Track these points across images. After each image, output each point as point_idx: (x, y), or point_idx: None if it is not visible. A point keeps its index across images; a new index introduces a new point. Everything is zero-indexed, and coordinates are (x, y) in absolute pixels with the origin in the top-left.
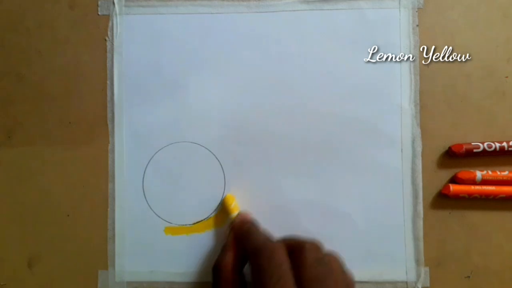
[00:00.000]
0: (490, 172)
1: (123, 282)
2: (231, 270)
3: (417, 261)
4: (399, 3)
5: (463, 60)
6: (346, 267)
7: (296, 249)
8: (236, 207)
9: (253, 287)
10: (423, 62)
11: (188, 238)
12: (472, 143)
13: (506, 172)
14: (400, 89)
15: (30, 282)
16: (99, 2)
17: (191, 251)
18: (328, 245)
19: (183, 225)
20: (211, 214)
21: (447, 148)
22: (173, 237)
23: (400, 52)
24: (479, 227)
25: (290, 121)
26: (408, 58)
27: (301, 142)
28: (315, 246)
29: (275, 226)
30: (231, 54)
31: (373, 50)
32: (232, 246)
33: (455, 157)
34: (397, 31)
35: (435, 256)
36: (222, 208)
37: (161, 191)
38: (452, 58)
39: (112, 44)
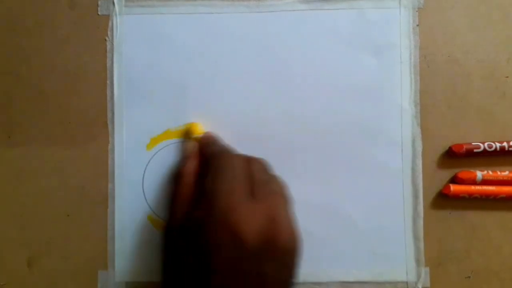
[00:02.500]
0: (490, 172)
1: (123, 282)
2: (192, 176)
3: (417, 261)
4: (399, 3)
5: (463, 60)
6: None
7: (246, 160)
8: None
9: (207, 188)
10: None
11: None
12: (473, 143)
13: (507, 172)
14: (400, 89)
15: (30, 282)
16: (99, 2)
17: None
18: (329, 245)
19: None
20: None
21: (447, 148)
22: None
23: (400, 52)
24: (480, 227)
25: (290, 121)
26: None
27: (301, 142)
28: (263, 163)
29: None
30: (231, 54)
31: (373, 50)
32: (195, 154)
33: (455, 157)
34: (397, 31)
35: (436, 256)
36: (185, 136)
37: (161, 191)
38: (452, 58)
39: (112, 44)
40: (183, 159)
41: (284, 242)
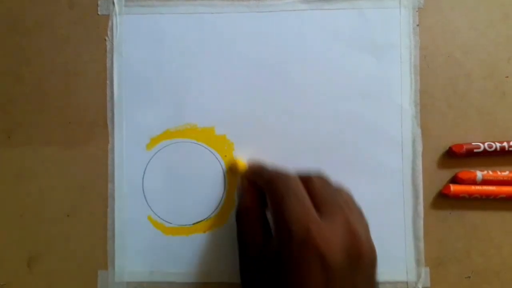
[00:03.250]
0: (490, 172)
1: (123, 282)
2: (255, 210)
3: (418, 261)
4: (400, 2)
5: (463, 60)
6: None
7: (304, 180)
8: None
9: (274, 217)
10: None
11: (188, 238)
12: (473, 143)
13: (507, 172)
14: (400, 89)
15: (30, 282)
16: (99, 2)
17: (191, 251)
18: None
19: (183, 225)
20: (211, 214)
21: (447, 148)
22: (173, 237)
23: (400, 52)
24: (480, 227)
25: (290, 121)
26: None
27: (301, 142)
28: (322, 179)
29: None
30: (231, 53)
31: (373, 50)
32: (249, 188)
33: (456, 157)
34: (397, 30)
35: (436, 256)
36: (230, 173)
37: (161, 191)
38: (452, 58)
39: (112, 44)
40: (239, 196)
41: (367, 254)
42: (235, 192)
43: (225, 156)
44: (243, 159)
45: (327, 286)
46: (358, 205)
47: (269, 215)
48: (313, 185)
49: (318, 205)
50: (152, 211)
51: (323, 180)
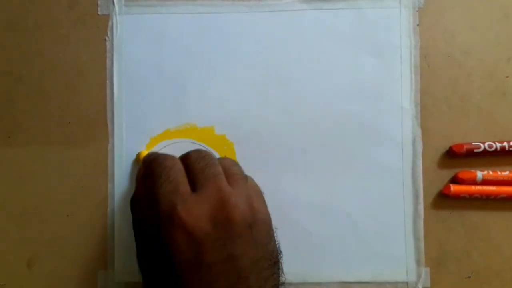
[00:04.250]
0: (490, 172)
1: (123, 282)
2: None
3: (418, 261)
4: (400, 2)
5: (463, 60)
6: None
7: (182, 157)
8: None
9: (146, 197)
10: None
11: None
12: (473, 143)
13: (507, 172)
14: (400, 89)
15: (30, 282)
16: (99, 2)
17: None
18: (329, 245)
19: None
20: None
21: (447, 148)
22: None
23: (401, 52)
24: (480, 227)
25: (290, 121)
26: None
27: (301, 142)
28: (200, 152)
29: (275, 226)
30: (231, 53)
31: (373, 50)
32: (144, 176)
33: (456, 157)
34: (398, 30)
35: (436, 256)
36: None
37: None
38: (452, 58)
39: (112, 43)
40: (136, 186)
41: (240, 218)
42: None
43: (225, 156)
44: (147, 151)
45: (198, 256)
46: (236, 172)
47: None
48: (189, 160)
49: (193, 179)
50: None
51: (200, 154)
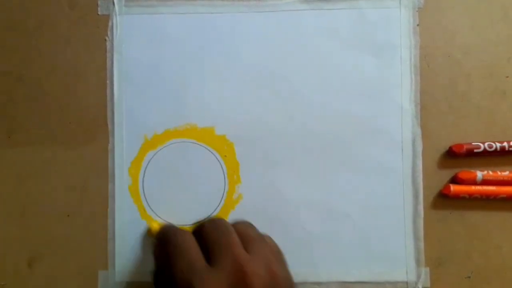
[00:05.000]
0: (490, 172)
1: (123, 282)
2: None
3: (418, 261)
4: (400, 2)
5: (463, 60)
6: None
7: (196, 230)
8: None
9: (165, 277)
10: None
11: None
12: (473, 143)
13: (507, 172)
14: (400, 89)
15: (30, 282)
16: (99, 2)
17: None
18: (329, 245)
19: (183, 225)
20: (211, 214)
21: (447, 148)
22: None
23: (401, 52)
24: (480, 227)
25: (290, 121)
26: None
27: (301, 142)
28: (214, 222)
29: (275, 226)
30: (231, 53)
31: (373, 50)
32: (160, 252)
33: (456, 157)
34: (398, 30)
35: (436, 256)
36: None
37: (161, 191)
38: (452, 58)
39: (112, 44)
40: (155, 262)
41: (262, 285)
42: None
43: (225, 156)
44: (158, 222)
45: None
46: (258, 234)
47: None
48: (204, 231)
49: (208, 251)
50: (152, 211)
51: (215, 223)
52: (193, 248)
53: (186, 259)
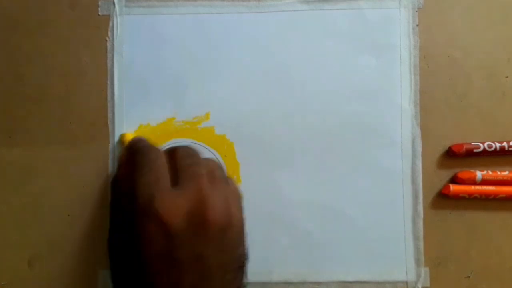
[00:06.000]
0: (490, 172)
1: None
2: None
3: (417, 261)
4: (399, 3)
5: (463, 60)
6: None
7: (169, 151)
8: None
9: (129, 182)
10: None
11: None
12: (472, 143)
13: (507, 172)
14: (400, 89)
15: (30, 282)
16: (99, 2)
17: None
18: (328, 245)
19: None
20: None
21: (447, 148)
22: None
23: (400, 52)
24: (479, 227)
25: (289, 121)
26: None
27: (301, 142)
28: (187, 149)
29: (275, 226)
30: (231, 54)
31: (373, 50)
32: (126, 160)
33: (455, 157)
34: (397, 31)
35: (435, 256)
36: (120, 144)
37: None
38: (452, 58)
39: (113, 44)
40: (117, 168)
41: (215, 221)
42: (116, 162)
43: (225, 156)
44: (132, 133)
45: (167, 251)
46: (220, 175)
47: None
48: (176, 155)
49: (176, 175)
50: None
51: (187, 150)
52: (162, 166)
53: (153, 174)
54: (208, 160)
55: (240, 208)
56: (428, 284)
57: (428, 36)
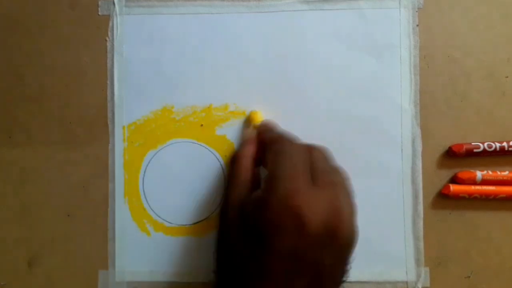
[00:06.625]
0: (490, 172)
1: (123, 282)
2: (251, 159)
3: (417, 261)
4: (399, 3)
5: (463, 60)
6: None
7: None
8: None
9: (268, 173)
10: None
11: (188, 238)
12: (472, 143)
13: (506, 172)
14: (400, 89)
15: (30, 282)
16: (99, 2)
17: (191, 251)
18: None
19: (184, 225)
20: (212, 214)
21: (447, 148)
22: (173, 237)
23: (400, 52)
24: (479, 227)
25: (289, 121)
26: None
27: None
28: (325, 153)
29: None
30: (231, 54)
31: (373, 50)
32: (253, 140)
33: (455, 157)
34: (397, 31)
35: (435, 256)
36: (246, 123)
37: (161, 191)
38: (452, 58)
39: (113, 44)
40: (242, 144)
41: (344, 234)
42: (239, 141)
43: (225, 156)
44: (261, 114)
45: (295, 248)
46: (351, 189)
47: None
48: (314, 155)
49: (313, 176)
50: (153, 211)
51: (324, 153)
52: (304, 162)
53: (297, 167)
54: (340, 168)
55: (357, 226)
56: (428, 284)
57: (428, 36)
